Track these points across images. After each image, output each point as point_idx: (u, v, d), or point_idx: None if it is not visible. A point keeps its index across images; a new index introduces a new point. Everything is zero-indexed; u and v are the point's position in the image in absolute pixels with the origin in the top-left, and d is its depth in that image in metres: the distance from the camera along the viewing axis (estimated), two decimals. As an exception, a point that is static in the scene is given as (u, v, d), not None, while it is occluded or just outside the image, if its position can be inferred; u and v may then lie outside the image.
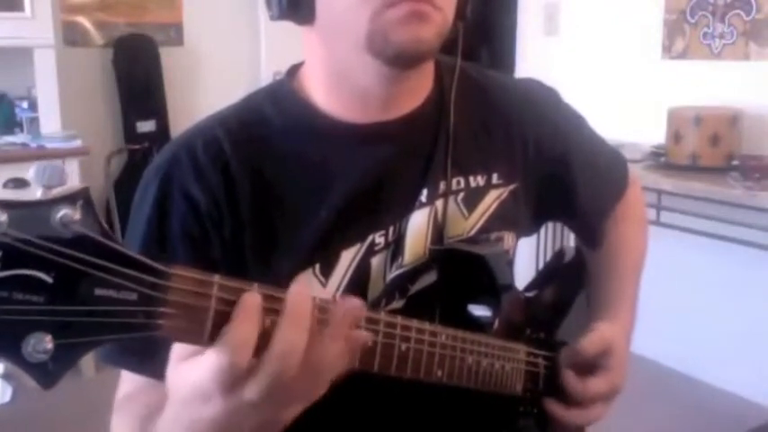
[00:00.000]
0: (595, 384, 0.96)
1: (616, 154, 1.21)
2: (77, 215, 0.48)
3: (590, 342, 0.95)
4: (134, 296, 0.51)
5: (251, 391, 0.59)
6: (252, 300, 0.59)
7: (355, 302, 0.65)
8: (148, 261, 0.52)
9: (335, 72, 0.89)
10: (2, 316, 0.46)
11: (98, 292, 0.50)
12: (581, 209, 1.11)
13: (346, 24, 0.82)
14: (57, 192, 0.48)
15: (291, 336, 0.59)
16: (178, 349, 0.63)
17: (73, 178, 3.38)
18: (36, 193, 0.48)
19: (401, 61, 0.83)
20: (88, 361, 3.14)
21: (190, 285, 0.55)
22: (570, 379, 0.95)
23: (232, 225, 0.85)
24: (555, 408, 0.96)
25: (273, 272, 0.86)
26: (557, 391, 0.96)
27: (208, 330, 0.57)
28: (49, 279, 0.47)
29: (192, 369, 0.60)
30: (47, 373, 0.48)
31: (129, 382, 0.87)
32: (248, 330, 0.58)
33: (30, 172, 0.49)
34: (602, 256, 1.16)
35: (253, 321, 0.58)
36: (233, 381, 0.59)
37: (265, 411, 0.61)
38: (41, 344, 0.47)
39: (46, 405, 2.76)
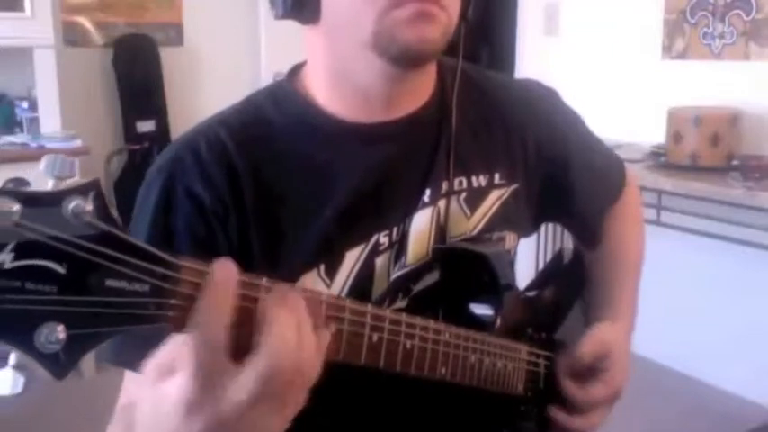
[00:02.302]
0: (596, 390, 0.97)
1: (613, 155, 1.21)
2: (89, 206, 0.48)
3: (587, 348, 0.96)
4: (145, 287, 0.51)
5: (238, 392, 0.56)
6: (222, 272, 0.57)
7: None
8: (160, 252, 0.52)
9: (338, 71, 0.89)
10: (15, 306, 0.46)
11: (110, 282, 0.50)
12: (579, 208, 1.11)
13: (352, 23, 0.82)
14: (68, 183, 0.48)
15: (284, 330, 0.58)
16: (149, 370, 0.58)
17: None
18: (47, 184, 0.48)
19: (406, 60, 0.84)
20: (89, 361, 3.13)
21: (200, 277, 0.55)
22: (570, 388, 0.96)
23: (237, 224, 0.85)
24: (558, 415, 0.96)
25: (279, 272, 0.85)
26: (558, 397, 0.97)
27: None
28: (61, 270, 0.47)
29: (172, 382, 0.56)
30: (58, 363, 0.48)
31: (127, 390, 0.86)
32: (215, 303, 0.56)
33: (41, 164, 0.49)
34: (600, 255, 1.17)
35: (221, 294, 0.56)
36: (210, 367, 0.55)
37: (256, 418, 0.58)
38: (54, 334, 0.47)
39: (45, 404, 2.76)
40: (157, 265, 0.52)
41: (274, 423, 0.59)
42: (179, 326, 0.55)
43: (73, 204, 0.47)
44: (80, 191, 0.48)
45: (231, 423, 0.56)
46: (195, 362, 0.54)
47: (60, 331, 0.47)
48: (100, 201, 0.49)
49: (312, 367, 0.61)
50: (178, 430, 0.56)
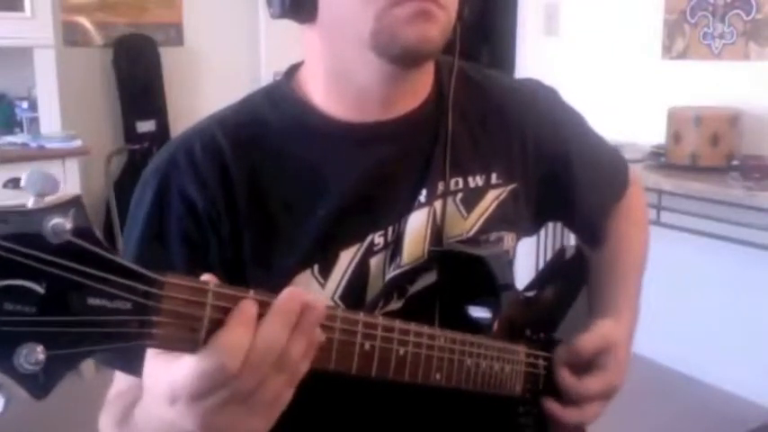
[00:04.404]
0: (592, 383, 0.96)
1: (616, 153, 1.21)
2: (69, 224, 0.48)
3: (586, 341, 0.95)
4: (127, 305, 0.51)
5: (219, 396, 0.58)
6: (248, 306, 0.59)
7: (320, 303, 0.63)
8: (142, 270, 0.52)
9: (336, 71, 0.89)
10: (-7, 327, 0.46)
11: (91, 301, 0.49)
12: (581, 208, 1.10)
13: (350, 23, 0.82)
14: (49, 200, 0.48)
15: (273, 336, 0.59)
16: None
17: (73, 178, 3.38)
18: (28, 201, 0.48)
19: (406, 60, 0.83)
20: (88, 362, 3.13)
21: (184, 293, 0.55)
22: (566, 377, 0.95)
23: (230, 226, 0.85)
24: (552, 406, 0.96)
25: (272, 273, 0.85)
26: (555, 390, 0.96)
27: (202, 338, 0.57)
28: (40, 289, 0.47)
29: (170, 368, 0.59)
30: (38, 383, 0.47)
31: (120, 380, 0.87)
32: (242, 335, 0.58)
33: (22, 179, 0.48)
34: (602, 255, 1.16)
35: (247, 327, 0.58)
36: (212, 386, 0.58)
37: (226, 418, 0.60)
38: (33, 355, 0.46)
39: (45, 405, 2.75)
40: (140, 282, 0.52)
41: (253, 422, 0.61)
42: (163, 343, 0.54)
43: (53, 222, 0.47)
44: (61, 208, 0.48)
45: (203, 423, 0.59)
46: (199, 377, 0.57)
47: (40, 352, 0.46)
48: (81, 218, 0.49)
49: (294, 365, 0.61)
50: (158, 409, 0.60)
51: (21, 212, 0.47)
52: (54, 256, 0.47)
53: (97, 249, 0.50)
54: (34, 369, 0.47)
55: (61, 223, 0.47)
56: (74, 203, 0.49)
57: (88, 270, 0.49)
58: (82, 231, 0.49)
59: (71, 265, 0.48)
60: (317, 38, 0.88)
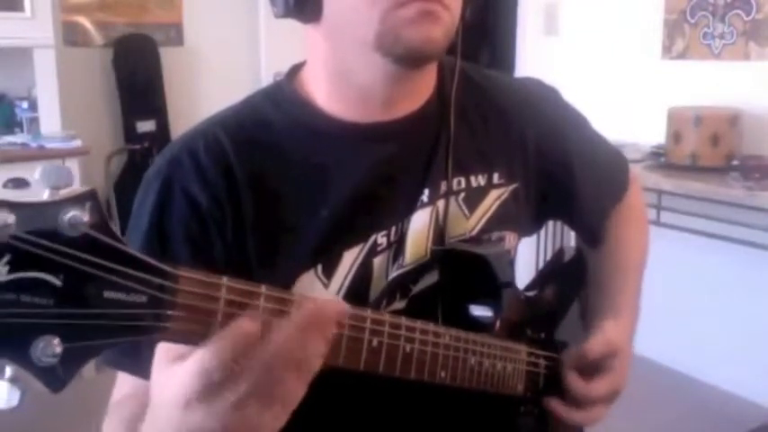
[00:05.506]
0: (599, 386, 0.96)
1: (617, 153, 1.21)
2: (86, 217, 0.48)
3: (595, 345, 0.95)
4: (143, 298, 0.51)
5: (233, 393, 0.57)
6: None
7: (341, 305, 0.63)
8: (157, 263, 0.52)
9: (339, 71, 0.88)
10: (10, 319, 0.45)
11: (107, 294, 0.49)
12: (582, 208, 1.10)
13: (355, 23, 0.82)
14: (64, 193, 0.48)
15: (286, 338, 0.58)
16: (163, 352, 0.61)
17: (73, 178, 3.38)
18: (43, 194, 0.48)
19: (410, 60, 0.83)
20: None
21: (198, 287, 0.55)
22: (575, 380, 0.95)
23: (234, 226, 0.85)
24: (557, 407, 0.96)
25: (276, 273, 0.85)
26: (559, 391, 0.96)
27: (215, 332, 0.57)
28: (57, 282, 0.47)
29: (177, 372, 0.57)
30: (55, 376, 0.47)
31: (123, 385, 0.86)
32: (251, 328, 0.57)
33: (36, 173, 0.48)
34: (602, 255, 1.16)
35: (249, 322, 0.57)
36: (213, 383, 0.56)
37: (245, 416, 0.58)
38: (50, 347, 0.46)
39: (45, 405, 2.75)
40: (155, 275, 0.52)
41: (266, 420, 0.59)
42: (177, 337, 0.54)
43: (69, 215, 0.47)
44: (77, 201, 0.48)
45: (222, 423, 0.56)
46: (203, 364, 0.55)
47: (56, 344, 0.46)
48: (97, 211, 0.49)
49: (309, 359, 0.60)
50: (173, 418, 0.57)
51: (37, 205, 0.47)
52: (71, 248, 0.47)
53: (113, 242, 0.50)
54: (51, 362, 0.47)
55: (78, 216, 0.47)
56: (89, 197, 0.49)
57: (105, 263, 0.49)
58: (98, 224, 0.49)
59: (88, 258, 0.48)
60: (321, 38, 0.88)
